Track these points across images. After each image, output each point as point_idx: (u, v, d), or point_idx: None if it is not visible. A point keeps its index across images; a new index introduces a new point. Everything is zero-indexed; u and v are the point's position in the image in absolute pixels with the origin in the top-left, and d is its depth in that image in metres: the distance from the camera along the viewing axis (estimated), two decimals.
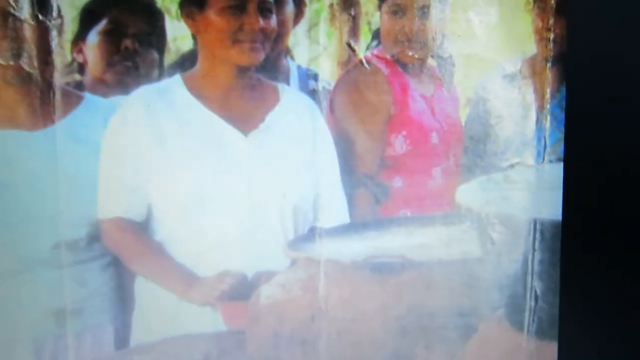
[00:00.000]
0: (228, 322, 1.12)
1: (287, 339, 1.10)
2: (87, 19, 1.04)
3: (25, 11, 1.00)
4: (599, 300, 1.13)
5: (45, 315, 1.08)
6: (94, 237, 1.08)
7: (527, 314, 1.14)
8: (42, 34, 1.01)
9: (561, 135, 1.11)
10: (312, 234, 1.12)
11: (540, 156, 1.12)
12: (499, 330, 1.14)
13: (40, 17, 1.00)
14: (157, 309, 1.11)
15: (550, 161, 1.12)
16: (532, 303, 1.14)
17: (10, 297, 1.06)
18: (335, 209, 1.13)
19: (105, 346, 1.10)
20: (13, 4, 0.99)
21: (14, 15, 0.99)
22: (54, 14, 1.01)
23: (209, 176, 1.08)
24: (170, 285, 1.11)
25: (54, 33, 1.02)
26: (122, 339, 1.11)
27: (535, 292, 1.14)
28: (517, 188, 1.13)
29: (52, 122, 1.04)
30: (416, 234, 1.13)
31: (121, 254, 1.10)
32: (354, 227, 1.14)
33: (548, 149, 1.12)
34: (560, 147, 1.11)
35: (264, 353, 1.11)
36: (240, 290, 1.10)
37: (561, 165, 1.11)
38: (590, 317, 1.14)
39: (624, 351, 1.14)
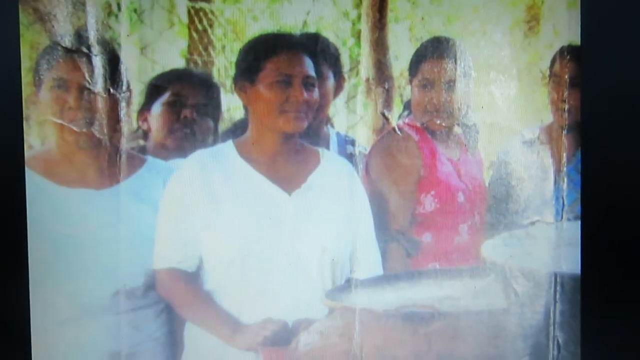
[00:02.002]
0: None
1: None
2: (153, 92, 1.14)
3: (99, 85, 1.10)
4: (618, 350, 1.17)
5: (102, 358, 1.14)
6: (150, 286, 1.15)
7: None
8: (113, 105, 1.11)
9: (578, 196, 1.17)
10: (348, 284, 1.17)
11: (559, 214, 1.18)
12: None
13: (112, 90, 1.11)
14: (204, 353, 1.16)
15: (569, 219, 1.17)
16: (555, 352, 1.17)
17: (71, 340, 1.13)
18: (369, 261, 1.18)
19: None
20: (89, 79, 1.10)
21: (89, 89, 1.10)
22: (124, 87, 1.12)
23: (255, 231, 1.15)
24: (216, 331, 1.15)
25: (122, 104, 1.12)
26: None
27: (558, 341, 1.17)
28: (538, 244, 1.17)
29: (117, 181, 1.13)
30: (445, 286, 1.17)
31: (173, 301, 1.16)
32: (387, 278, 1.18)
33: (566, 207, 1.18)
34: (578, 207, 1.17)
35: None
36: (281, 337, 1.15)
37: (579, 223, 1.16)
38: None
39: None
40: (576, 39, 1.15)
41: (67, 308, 1.13)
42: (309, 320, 1.16)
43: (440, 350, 1.13)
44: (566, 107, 1.16)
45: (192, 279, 1.16)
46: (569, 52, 1.16)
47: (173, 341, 1.18)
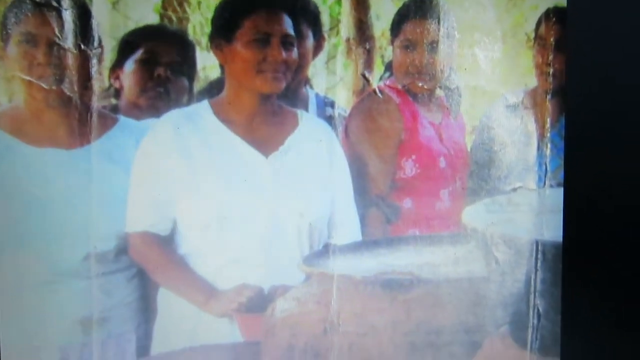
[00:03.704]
0: (244, 334, 1.15)
1: (300, 351, 1.13)
2: (125, 49, 1.11)
3: (69, 41, 1.08)
4: (598, 318, 1.17)
5: (72, 323, 1.12)
6: (122, 249, 1.13)
7: (530, 331, 1.17)
8: (83, 61, 1.08)
9: (561, 162, 1.16)
10: (326, 250, 1.16)
11: (541, 181, 1.17)
12: (503, 347, 1.17)
13: (82, 46, 1.08)
14: (178, 319, 1.15)
15: (551, 186, 1.17)
16: (535, 321, 1.17)
17: (40, 305, 1.11)
18: (348, 227, 1.17)
19: (127, 354, 1.14)
20: (58, 35, 1.07)
21: (58, 45, 1.07)
22: (95, 43, 1.09)
23: (231, 194, 1.14)
24: (190, 297, 1.14)
25: (94, 61, 1.09)
26: (143, 348, 1.15)
27: (538, 310, 1.17)
28: (520, 210, 1.17)
29: (89, 141, 1.11)
30: (424, 253, 1.16)
31: (146, 266, 1.15)
32: (366, 244, 1.17)
33: (549, 174, 1.17)
34: (560, 173, 1.16)
35: None
36: (257, 303, 1.14)
37: (561, 189, 1.15)
38: (591, 334, 1.17)
39: None
40: (562, 1, 1.14)
41: (36, 271, 1.11)
42: (286, 287, 1.15)
43: (420, 318, 1.13)
44: (551, 71, 1.15)
45: (165, 242, 1.15)
46: (554, 14, 1.15)
47: (146, 306, 1.16)
